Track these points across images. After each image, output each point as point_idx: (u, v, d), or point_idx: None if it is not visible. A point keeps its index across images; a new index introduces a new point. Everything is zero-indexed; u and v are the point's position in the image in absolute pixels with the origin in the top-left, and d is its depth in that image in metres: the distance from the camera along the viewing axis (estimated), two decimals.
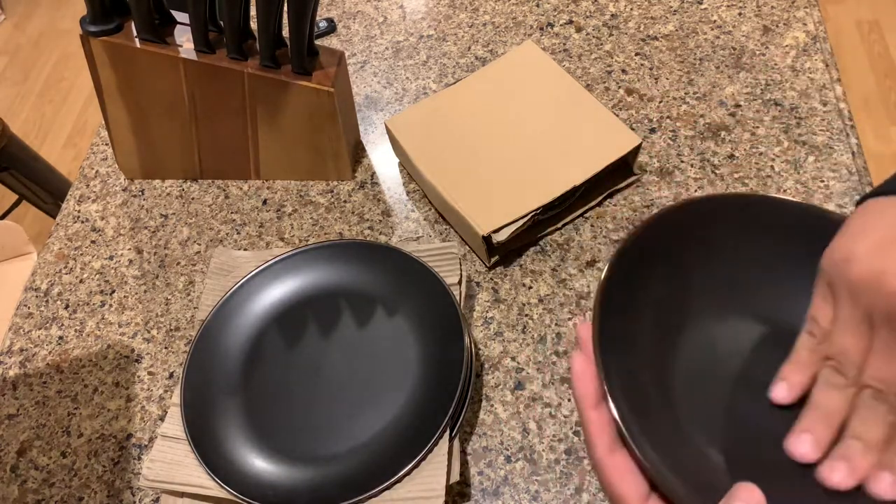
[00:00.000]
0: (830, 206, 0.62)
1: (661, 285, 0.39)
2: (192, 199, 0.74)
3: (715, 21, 0.78)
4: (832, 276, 0.34)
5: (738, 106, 0.71)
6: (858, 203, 0.36)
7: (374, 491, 0.48)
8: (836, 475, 0.32)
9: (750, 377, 0.38)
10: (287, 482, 0.50)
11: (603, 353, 0.35)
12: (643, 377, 0.37)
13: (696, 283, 0.40)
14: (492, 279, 0.63)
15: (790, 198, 0.44)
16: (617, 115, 0.67)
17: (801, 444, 0.34)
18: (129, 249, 0.71)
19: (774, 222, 0.40)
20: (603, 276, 0.37)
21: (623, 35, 0.79)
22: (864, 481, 0.32)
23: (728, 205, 0.41)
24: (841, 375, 0.34)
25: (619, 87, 0.75)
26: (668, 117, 0.71)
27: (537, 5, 0.84)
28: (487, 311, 0.61)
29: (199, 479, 0.51)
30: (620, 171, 0.66)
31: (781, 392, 0.36)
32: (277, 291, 0.60)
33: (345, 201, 0.71)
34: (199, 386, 0.55)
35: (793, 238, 0.40)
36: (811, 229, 0.39)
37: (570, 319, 0.60)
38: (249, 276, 0.60)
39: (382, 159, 0.74)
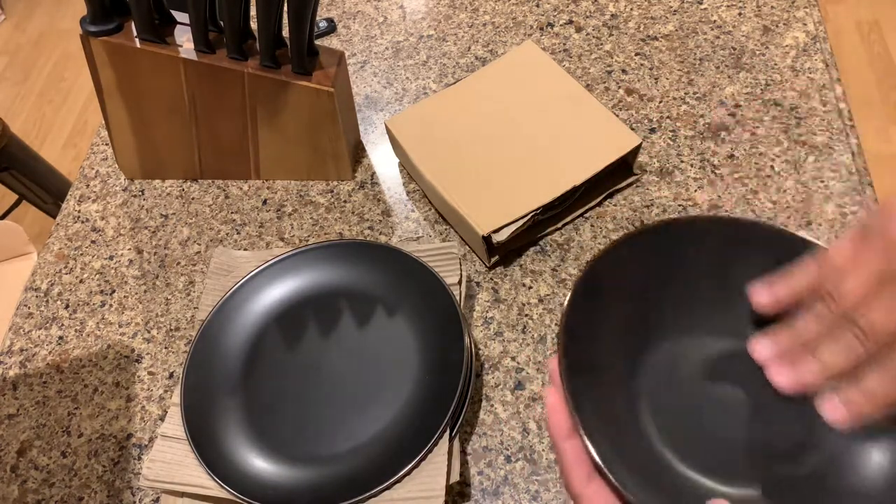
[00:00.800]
0: (830, 206, 0.62)
1: (620, 311, 0.40)
2: (192, 199, 0.74)
3: (715, 21, 0.78)
4: (875, 226, 0.34)
5: (738, 106, 0.71)
6: None
7: (374, 491, 0.48)
8: (781, 377, 0.34)
9: (716, 393, 0.39)
10: (287, 482, 0.50)
11: (570, 383, 0.35)
12: (612, 403, 0.37)
13: (655, 305, 0.41)
14: (492, 279, 0.63)
15: (740, 216, 0.45)
16: (617, 115, 0.67)
17: (761, 345, 0.35)
18: (130, 249, 0.71)
19: (727, 241, 0.41)
20: (564, 309, 0.38)
21: (623, 35, 0.79)
22: (808, 392, 0.34)
23: (681, 227, 0.42)
24: (831, 313, 0.34)
25: (619, 87, 0.75)
26: (668, 117, 0.71)
27: (537, 5, 0.85)
28: (487, 311, 0.61)
29: (199, 479, 0.51)
30: (620, 171, 0.66)
31: (763, 295, 0.36)
32: (277, 291, 0.60)
33: (345, 201, 0.71)
34: (199, 386, 0.55)
35: (749, 255, 0.40)
36: (766, 245, 0.39)
37: None
38: (249, 276, 0.60)
39: (382, 159, 0.74)
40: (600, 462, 0.32)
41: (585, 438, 0.33)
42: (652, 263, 0.41)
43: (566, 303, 0.39)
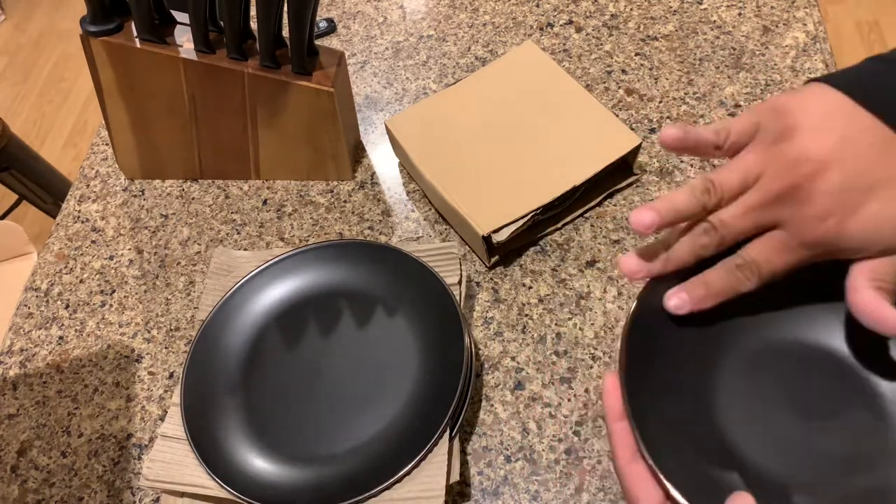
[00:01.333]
0: None
1: (687, 325, 0.41)
2: (193, 199, 0.74)
3: (715, 21, 0.78)
4: (768, 120, 0.37)
5: (737, 106, 0.71)
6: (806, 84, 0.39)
7: (374, 491, 0.48)
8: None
9: (789, 397, 0.40)
10: (287, 482, 0.50)
11: (628, 375, 0.37)
12: (676, 397, 0.39)
13: (731, 311, 0.41)
14: (492, 279, 0.63)
15: None
16: (617, 115, 0.67)
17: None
18: (130, 249, 0.71)
19: None
20: (635, 303, 0.40)
21: (623, 35, 0.79)
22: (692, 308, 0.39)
23: None
24: (710, 237, 0.38)
25: (619, 87, 0.75)
26: (668, 117, 0.71)
27: (537, 5, 0.85)
28: (487, 311, 0.61)
29: (199, 479, 0.51)
30: (620, 171, 0.66)
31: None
32: (277, 291, 0.60)
33: (345, 201, 0.71)
34: (199, 386, 0.55)
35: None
36: None
37: (569, 319, 0.60)
38: (249, 276, 0.60)
39: (382, 159, 0.74)
40: (643, 447, 0.35)
41: (634, 425, 0.36)
42: None
43: (639, 295, 0.40)
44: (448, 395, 0.51)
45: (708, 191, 0.37)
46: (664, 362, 0.40)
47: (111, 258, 0.71)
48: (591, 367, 0.57)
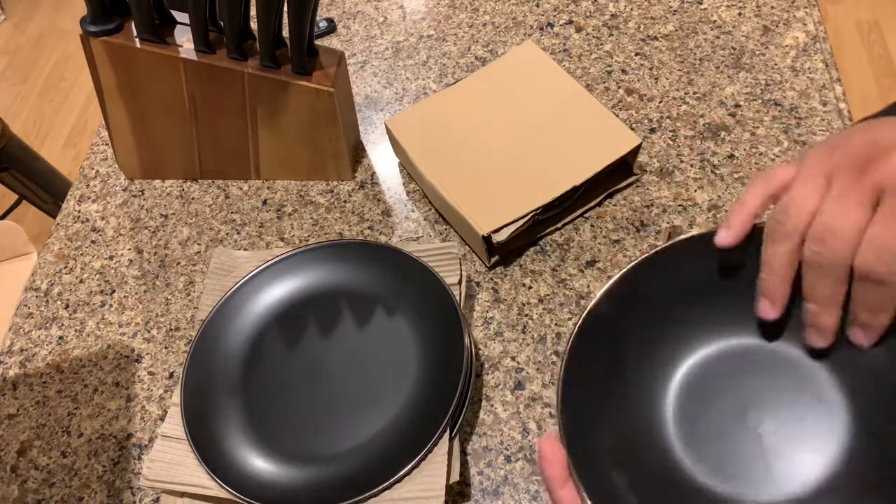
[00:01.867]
0: None
1: (608, 354, 0.41)
2: (192, 199, 0.74)
3: (715, 21, 0.78)
4: (829, 153, 0.35)
5: (738, 106, 0.71)
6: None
7: (374, 491, 0.48)
8: (815, 339, 0.36)
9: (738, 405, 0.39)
10: (287, 482, 0.50)
11: (567, 430, 0.36)
12: (603, 447, 0.38)
13: (639, 346, 0.41)
14: (492, 279, 0.63)
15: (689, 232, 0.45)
16: (617, 115, 0.67)
17: (764, 309, 0.37)
18: (129, 249, 0.71)
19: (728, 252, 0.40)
20: (564, 356, 0.40)
21: (623, 35, 0.79)
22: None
23: (687, 244, 0.42)
24: (826, 253, 0.34)
25: (619, 87, 0.75)
26: (668, 117, 0.71)
27: (537, 5, 0.85)
28: (487, 311, 0.61)
29: (199, 479, 0.51)
30: (620, 171, 0.66)
31: (725, 237, 0.37)
32: (277, 291, 0.60)
33: (345, 201, 0.71)
34: (199, 386, 0.55)
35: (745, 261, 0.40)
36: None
37: (569, 319, 0.60)
38: (249, 276, 0.60)
39: (382, 159, 0.74)
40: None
41: (581, 488, 0.34)
42: (634, 305, 0.41)
43: (566, 347, 0.39)
44: (448, 395, 0.51)
45: (787, 212, 0.34)
46: (602, 404, 0.39)
47: (111, 258, 0.71)
48: None
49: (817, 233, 0.33)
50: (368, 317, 0.58)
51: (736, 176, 0.66)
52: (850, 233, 0.32)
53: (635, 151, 0.64)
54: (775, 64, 0.73)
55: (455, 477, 0.49)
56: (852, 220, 0.32)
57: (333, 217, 0.70)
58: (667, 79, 0.74)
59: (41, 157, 1.45)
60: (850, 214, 0.32)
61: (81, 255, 0.72)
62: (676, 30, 0.78)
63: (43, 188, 1.43)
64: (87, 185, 0.78)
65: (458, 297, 0.57)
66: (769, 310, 0.37)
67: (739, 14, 0.78)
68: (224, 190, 0.74)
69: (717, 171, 0.66)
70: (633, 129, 0.70)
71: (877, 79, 1.86)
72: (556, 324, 0.59)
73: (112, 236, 0.73)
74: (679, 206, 0.65)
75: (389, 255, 0.60)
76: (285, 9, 0.60)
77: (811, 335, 0.37)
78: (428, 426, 0.50)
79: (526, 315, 0.60)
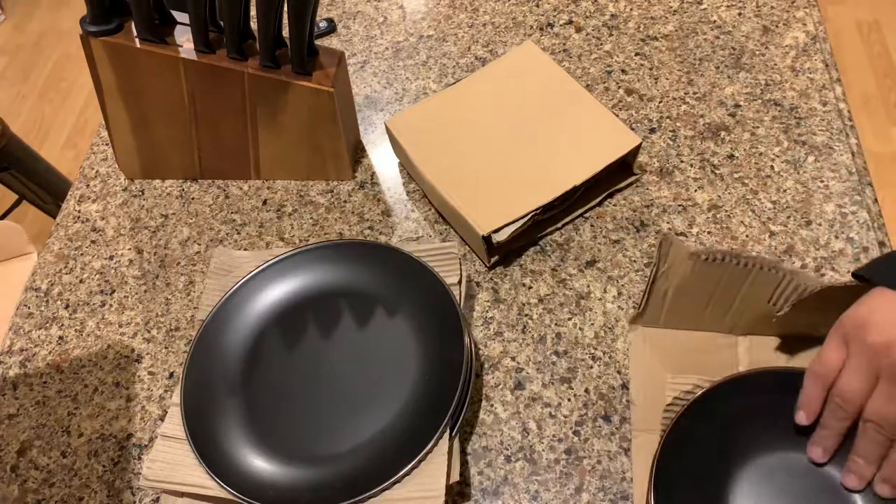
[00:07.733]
0: (830, 206, 0.62)
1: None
2: (192, 199, 0.74)
3: (715, 21, 0.78)
4: (850, 334, 0.45)
5: (737, 106, 0.71)
6: (856, 277, 0.48)
7: (374, 491, 0.48)
8: (850, 481, 0.46)
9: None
10: (287, 482, 0.50)
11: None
12: None
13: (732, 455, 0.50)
14: (492, 279, 0.63)
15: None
16: (617, 115, 0.67)
17: (814, 452, 0.48)
18: (130, 249, 0.71)
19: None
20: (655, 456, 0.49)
21: (623, 35, 0.79)
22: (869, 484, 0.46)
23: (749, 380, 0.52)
24: (843, 410, 0.45)
25: (619, 87, 0.75)
26: (668, 117, 0.71)
27: (537, 5, 0.85)
28: (487, 311, 0.61)
29: (199, 478, 0.51)
30: (620, 171, 0.66)
31: (802, 418, 0.48)
32: (277, 291, 0.60)
33: (345, 201, 0.71)
34: (199, 386, 0.55)
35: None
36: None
37: (569, 319, 0.60)
38: (249, 276, 0.60)
39: (382, 159, 0.74)
40: None
41: None
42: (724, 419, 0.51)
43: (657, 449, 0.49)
44: (448, 395, 0.51)
45: (841, 407, 0.46)
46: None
47: (111, 258, 0.71)
48: (591, 367, 0.57)
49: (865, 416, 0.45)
50: (368, 317, 0.58)
51: (736, 176, 0.66)
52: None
53: (635, 151, 0.64)
54: (775, 64, 0.73)
55: (455, 477, 0.49)
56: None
57: (333, 217, 0.70)
58: (667, 79, 0.74)
59: (41, 157, 1.44)
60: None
61: (81, 255, 0.72)
62: (676, 30, 0.78)
63: (43, 188, 1.43)
64: (87, 185, 0.78)
65: (458, 297, 0.57)
66: (820, 456, 0.48)
67: (739, 14, 0.78)
68: (224, 190, 0.74)
69: (717, 171, 0.66)
70: (633, 129, 0.70)
71: (877, 79, 1.86)
72: (556, 324, 0.59)
73: (112, 236, 0.73)
74: (679, 206, 0.65)
75: (389, 255, 0.60)
76: (285, 9, 0.60)
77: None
78: (428, 426, 0.50)
79: (526, 315, 0.60)
